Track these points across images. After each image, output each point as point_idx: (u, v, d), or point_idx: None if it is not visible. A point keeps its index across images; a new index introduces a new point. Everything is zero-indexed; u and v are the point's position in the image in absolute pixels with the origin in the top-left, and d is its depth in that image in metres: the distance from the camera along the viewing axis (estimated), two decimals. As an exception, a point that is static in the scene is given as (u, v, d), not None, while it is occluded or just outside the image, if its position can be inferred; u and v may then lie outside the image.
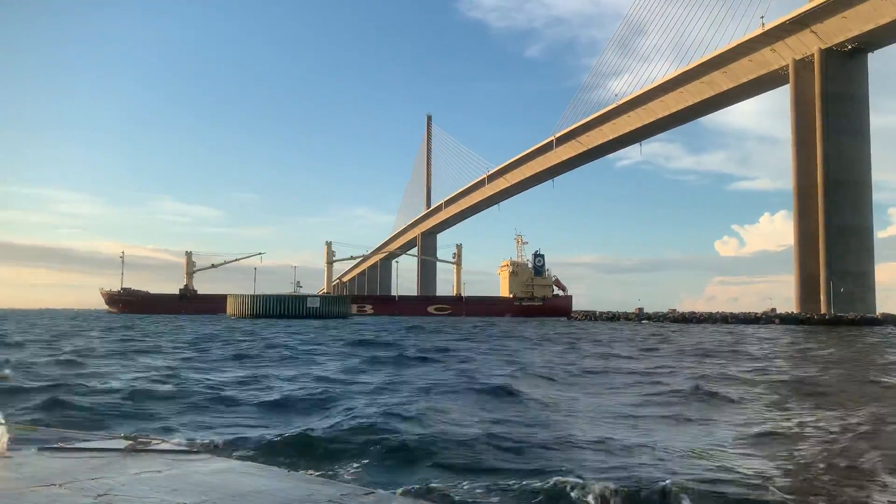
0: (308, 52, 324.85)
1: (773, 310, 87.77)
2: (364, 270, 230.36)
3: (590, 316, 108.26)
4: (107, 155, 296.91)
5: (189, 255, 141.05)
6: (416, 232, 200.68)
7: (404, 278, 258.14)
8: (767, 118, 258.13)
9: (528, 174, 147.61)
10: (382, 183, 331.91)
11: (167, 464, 4.77)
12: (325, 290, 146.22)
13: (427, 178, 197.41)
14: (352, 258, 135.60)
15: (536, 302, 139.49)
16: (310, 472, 6.35)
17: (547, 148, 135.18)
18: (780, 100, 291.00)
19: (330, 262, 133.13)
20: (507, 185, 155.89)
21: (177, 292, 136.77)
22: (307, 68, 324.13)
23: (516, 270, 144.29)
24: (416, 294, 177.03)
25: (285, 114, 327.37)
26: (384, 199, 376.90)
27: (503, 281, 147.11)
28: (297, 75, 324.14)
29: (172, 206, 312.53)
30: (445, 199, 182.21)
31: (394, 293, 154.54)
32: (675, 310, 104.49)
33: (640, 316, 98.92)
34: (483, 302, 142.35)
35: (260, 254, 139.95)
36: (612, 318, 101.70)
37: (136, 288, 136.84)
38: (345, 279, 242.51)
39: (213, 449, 7.10)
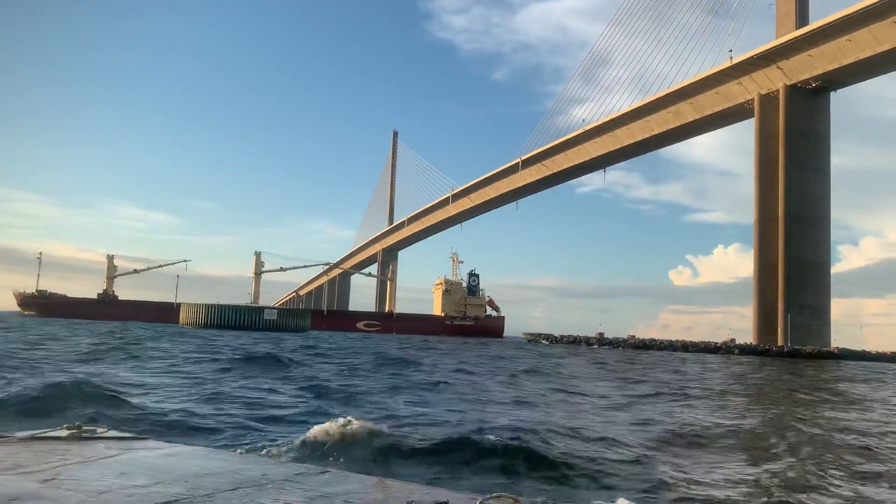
0: (275, 63, 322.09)
1: (733, 340, 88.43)
2: (323, 284, 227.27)
3: (550, 339, 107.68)
4: (62, 156, 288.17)
5: (110, 258, 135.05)
6: (378, 248, 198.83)
7: (363, 294, 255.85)
8: (725, 152, 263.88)
9: (492, 195, 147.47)
10: (345, 197, 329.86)
11: (114, 450, 4.58)
12: (280, 303, 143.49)
13: (391, 193, 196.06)
14: (281, 269, 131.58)
15: (468, 321, 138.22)
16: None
17: (513, 170, 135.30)
18: (737, 135, 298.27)
19: (258, 273, 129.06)
20: (472, 204, 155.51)
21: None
22: (273, 79, 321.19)
23: (450, 289, 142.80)
24: (373, 310, 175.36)
25: (247, 123, 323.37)
26: (346, 214, 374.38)
27: (436, 299, 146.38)
28: (262, 85, 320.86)
29: (129, 212, 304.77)
30: (408, 217, 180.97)
31: (352, 308, 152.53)
32: (634, 336, 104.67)
33: (600, 341, 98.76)
34: (414, 319, 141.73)
35: (185, 261, 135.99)
36: (574, 341, 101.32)
37: (59, 291, 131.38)
38: (301, 292, 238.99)
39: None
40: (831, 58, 78.42)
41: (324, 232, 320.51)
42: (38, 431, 5.13)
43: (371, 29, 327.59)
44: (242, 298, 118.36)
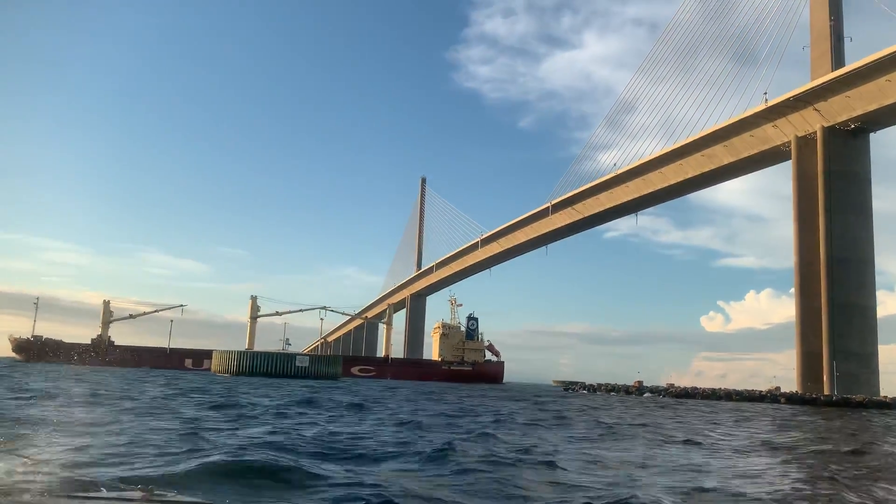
0: (304, 111, 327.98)
1: (778, 388, 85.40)
2: (350, 331, 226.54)
3: (587, 388, 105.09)
4: (94, 204, 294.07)
5: (106, 304, 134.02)
6: (406, 293, 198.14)
7: (392, 340, 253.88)
8: (754, 196, 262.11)
9: (522, 239, 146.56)
10: (372, 244, 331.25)
11: None
12: (309, 350, 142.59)
13: (419, 239, 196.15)
14: (277, 314, 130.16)
15: (466, 367, 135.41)
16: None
17: (542, 214, 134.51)
18: (766, 179, 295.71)
19: (254, 318, 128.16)
20: (501, 249, 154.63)
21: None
22: (303, 127, 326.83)
23: (447, 333, 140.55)
24: (402, 356, 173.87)
25: (278, 171, 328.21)
26: (373, 260, 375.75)
27: (434, 343, 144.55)
28: (292, 134, 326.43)
29: (160, 259, 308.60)
30: (437, 262, 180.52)
31: (381, 354, 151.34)
32: (672, 384, 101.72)
33: (640, 389, 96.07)
34: (409, 364, 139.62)
35: (182, 306, 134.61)
36: (612, 389, 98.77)
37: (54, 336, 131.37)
38: (330, 339, 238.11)
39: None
40: (870, 98, 77.20)
41: (351, 277, 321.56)
42: (113, 493, 5.38)
43: (399, 79, 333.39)
44: (273, 345, 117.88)
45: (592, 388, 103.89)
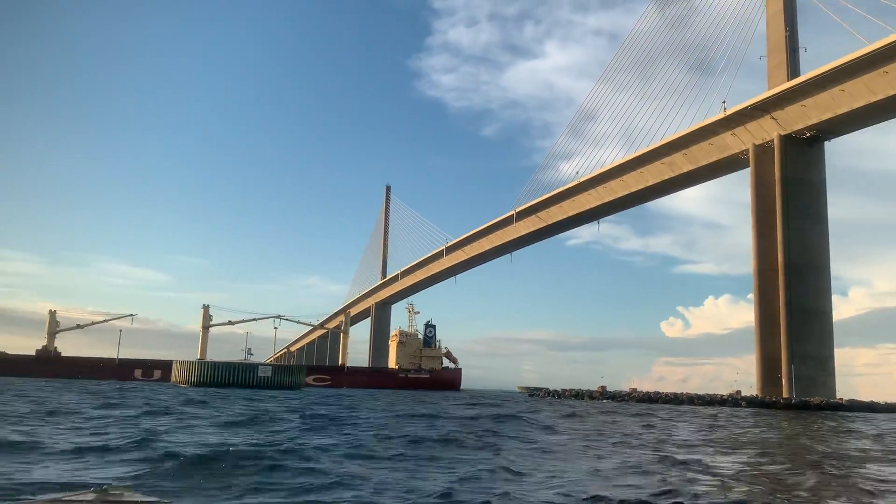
0: (267, 119, 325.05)
1: (738, 392, 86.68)
2: (314, 340, 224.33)
3: (553, 394, 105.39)
4: (46, 213, 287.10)
5: (52, 314, 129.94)
6: (371, 302, 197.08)
7: (357, 349, 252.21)
8: (711, 204, 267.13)
9: (487, 247, 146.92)
10: (336, 253, 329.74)
11: None
12: (272, 359, 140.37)
13: (384, 247, 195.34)
14: (230, 322, 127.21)
15: (423, 374, 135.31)
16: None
17: (507, 222, 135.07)
18: (722, 187, 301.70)
19: (206, 327, 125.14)
20: (466, 257, 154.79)
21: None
22: (266, 135, 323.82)
23: (404, 341, 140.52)
24: (368, 365, 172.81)
25: (240, 179, 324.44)
26: (337, 269, 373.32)
27: (391, 351, 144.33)
28: (254, 141, 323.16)
29: (116, 269, 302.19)
30: (402, 270, 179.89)
31: (349, 364, 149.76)
32: (635, 389, 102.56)
33: (603, 394, 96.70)
34: (365, 373, 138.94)
35: (131, 315, 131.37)
36: (577, 395, 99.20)
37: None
38: (293, 348, 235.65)
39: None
40: (825, 108, 79.09)
41: (315, 286, 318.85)
42: (64, 494, 5.18)
43: (362, 86, 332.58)
44: (236, 355, 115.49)
45: (557, 394, 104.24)
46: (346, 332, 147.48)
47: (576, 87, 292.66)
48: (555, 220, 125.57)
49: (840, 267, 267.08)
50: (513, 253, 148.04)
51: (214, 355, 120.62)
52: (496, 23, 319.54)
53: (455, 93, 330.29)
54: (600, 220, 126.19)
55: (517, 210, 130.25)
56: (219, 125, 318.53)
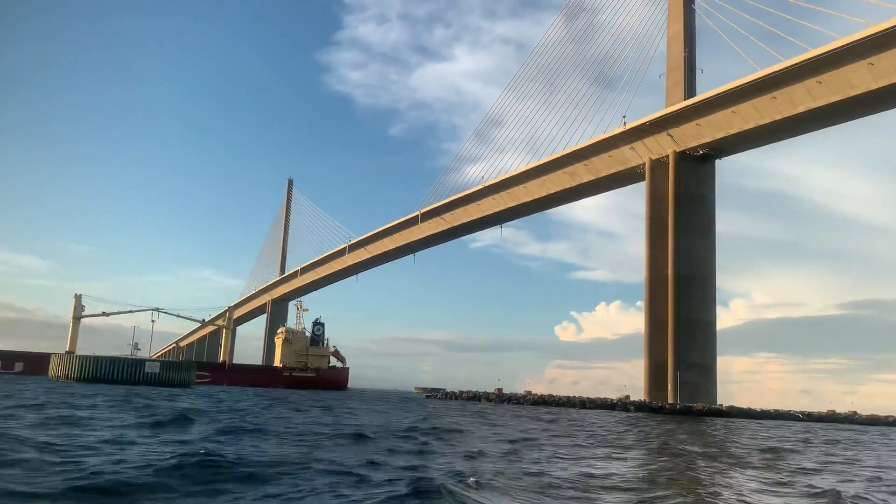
0: (165, 103, 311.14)
1: (627, 397, 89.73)
2: (206, 336, 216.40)
3: (450, 395, 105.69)
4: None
5: None
6: (267, 298, 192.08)
7: (251, 346, 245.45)
8: (607, 214, 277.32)
9: (390, 247, 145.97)
10: (233, 245, 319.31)
11: None
12: (159, 355, 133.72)
13: (283, 242, 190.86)
14: (104, 314, 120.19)
15: (309, 373, 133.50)
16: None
17: (412, 222, 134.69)
18: (619, 198, 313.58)
19: (77, 318, 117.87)
20: (369, 256, 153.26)
21: None
22: (163, 120, 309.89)
23: (290, 338, 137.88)
24: (260, 363, 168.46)
25: (133, 164, 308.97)
26: (234, 263, 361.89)
27: (277, 349, 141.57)
28: (150, 125, 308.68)
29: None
30: (302, 266, 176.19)
31: (237, 361, 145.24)
32: (530, 391, 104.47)
33: (500, 397, 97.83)
34: (248, 371, 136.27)
35: None
36: (474, 397, 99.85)
37: None
38: (182, 344, 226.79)
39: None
40: (718, 127, 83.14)
41: (210, 280, 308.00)
42: None
43: (267, 75, 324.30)
44: (122, 349, 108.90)
45: (454, 396, 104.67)
46: (228, 328, 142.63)
47: (483, 92, 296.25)
48: (459, 223, 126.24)
49: (723, 279, 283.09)
50: (416, 253, 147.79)
51: (94, 349, 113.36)
52: (406, 23, 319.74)
53: (363, 89, 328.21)
54: (503, 224, 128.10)
55: (422, 211, 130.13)
56: (118, 108, 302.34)
